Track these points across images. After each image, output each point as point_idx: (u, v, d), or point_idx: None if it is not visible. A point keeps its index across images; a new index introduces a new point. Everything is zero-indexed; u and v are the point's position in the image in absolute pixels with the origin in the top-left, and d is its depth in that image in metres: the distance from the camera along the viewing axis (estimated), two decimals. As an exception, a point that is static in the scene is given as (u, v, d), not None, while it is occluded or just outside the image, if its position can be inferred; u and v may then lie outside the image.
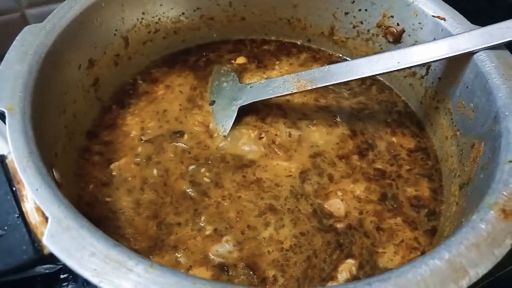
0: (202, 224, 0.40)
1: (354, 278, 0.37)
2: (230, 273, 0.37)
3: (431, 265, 0.27)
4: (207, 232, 0.39)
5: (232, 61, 0.55)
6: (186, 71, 0.53)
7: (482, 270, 0.27)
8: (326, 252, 0.39)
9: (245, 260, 0.38)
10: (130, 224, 0.40)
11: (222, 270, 0.37)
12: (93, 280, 0.26)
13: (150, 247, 0.38)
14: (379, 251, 0.39)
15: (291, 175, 0.44)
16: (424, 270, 0.26)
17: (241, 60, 0.55)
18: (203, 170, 0.44)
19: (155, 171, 0.43)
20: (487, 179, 0.33)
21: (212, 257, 0.38)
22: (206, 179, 0.43)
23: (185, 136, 0.47)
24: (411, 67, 0.45)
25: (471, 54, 0.41)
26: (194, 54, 0.56)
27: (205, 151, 0.45)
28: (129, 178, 0.43)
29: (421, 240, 0.40)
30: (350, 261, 0.38)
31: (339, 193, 0.42)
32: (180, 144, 0.46)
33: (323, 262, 0.38)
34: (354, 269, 0.38)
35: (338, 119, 0.49)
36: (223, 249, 0.38)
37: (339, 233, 0.40)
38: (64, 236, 0.27)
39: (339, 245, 0.39)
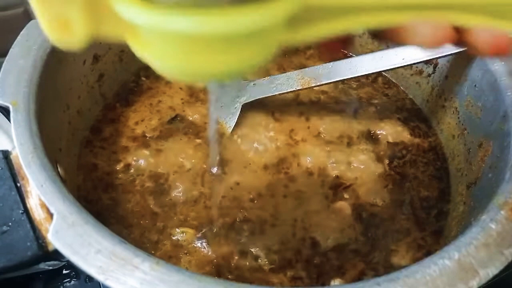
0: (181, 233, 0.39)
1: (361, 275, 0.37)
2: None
3: (440, 265, 0.26)
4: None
5: None
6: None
7: (492, 270, 0.26)
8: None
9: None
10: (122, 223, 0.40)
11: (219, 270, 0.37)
12: (99, 277, 0.25)
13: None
14: (393, 248, 0.39)
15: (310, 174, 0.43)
16: (433, 270, 0.26)
17: None
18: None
19: (151, 167, 0.43)
20: (495, 179, 0.33)
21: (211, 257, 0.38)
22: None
23: (185, 124, 0.47)
24: (416, 63, 0.44)
25: (478, 51, 0.40)
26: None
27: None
28: (126, 177, 0.43)
29: (428, 239, 0.40)
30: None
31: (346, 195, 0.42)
32: (183, 138, 0.46)
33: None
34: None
35: (351, 113, 0.49)
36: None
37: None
38: (69, 233, 0.27)
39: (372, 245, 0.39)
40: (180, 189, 0.42)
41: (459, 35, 0.21)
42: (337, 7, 0.19)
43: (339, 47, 0.23)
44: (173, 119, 0.47)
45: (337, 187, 0.42)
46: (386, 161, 0.45)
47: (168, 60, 0.19)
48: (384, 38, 0.22)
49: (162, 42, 0.18)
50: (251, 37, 0.18)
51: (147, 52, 0.19)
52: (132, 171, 0.43)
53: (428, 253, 0.39)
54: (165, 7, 0.17)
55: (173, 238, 0.39)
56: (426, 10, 0.20)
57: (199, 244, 0.38)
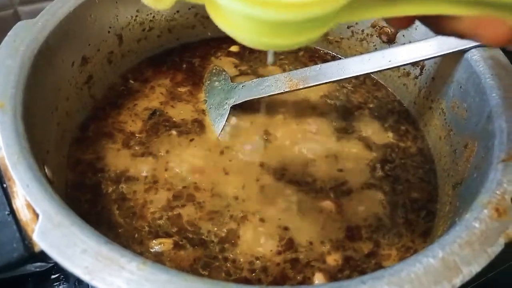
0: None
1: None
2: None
3: (424, 263, 0.27)
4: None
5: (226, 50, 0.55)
6: (172, 70, 0.53)
7: (475, 268, 0.27)
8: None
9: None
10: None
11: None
12: (85, 277, 0.25)
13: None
14: (385, 253, 0.39)
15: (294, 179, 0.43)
16: (417, 268, 0.26)
17: (235, 48, 0.55)
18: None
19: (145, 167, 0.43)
20: (480, 178, 0.33)
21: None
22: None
23: (164, 118, 0.48)
24: (403, 65, 0.45)
25: (462, 52, 0.41)
26: (185, 52, 0.55)
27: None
28: (110, 176, 0.43)
29: (416, 240, 0.40)
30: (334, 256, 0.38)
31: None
32: (173, 132, 0.46)
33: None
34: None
35: (343, 115, 0.49)
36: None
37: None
38: (55, 233, 0.27)
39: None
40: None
41: None
42: None
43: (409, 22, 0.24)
44: (152, 115, 0.48)
45: (332, 189, 0.43)
46: (379, 166, 0.45)
47: (240, 32, 0.22)
48: (437, 27, 0.23)
49: (238, 19, 0.21)
50: (313, 21, 0.21)
51: (222, 21, 0.22)
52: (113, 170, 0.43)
53: (416, 253, 0.39)
54: None
55: (152, 250, 0.38)
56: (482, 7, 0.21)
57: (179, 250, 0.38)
